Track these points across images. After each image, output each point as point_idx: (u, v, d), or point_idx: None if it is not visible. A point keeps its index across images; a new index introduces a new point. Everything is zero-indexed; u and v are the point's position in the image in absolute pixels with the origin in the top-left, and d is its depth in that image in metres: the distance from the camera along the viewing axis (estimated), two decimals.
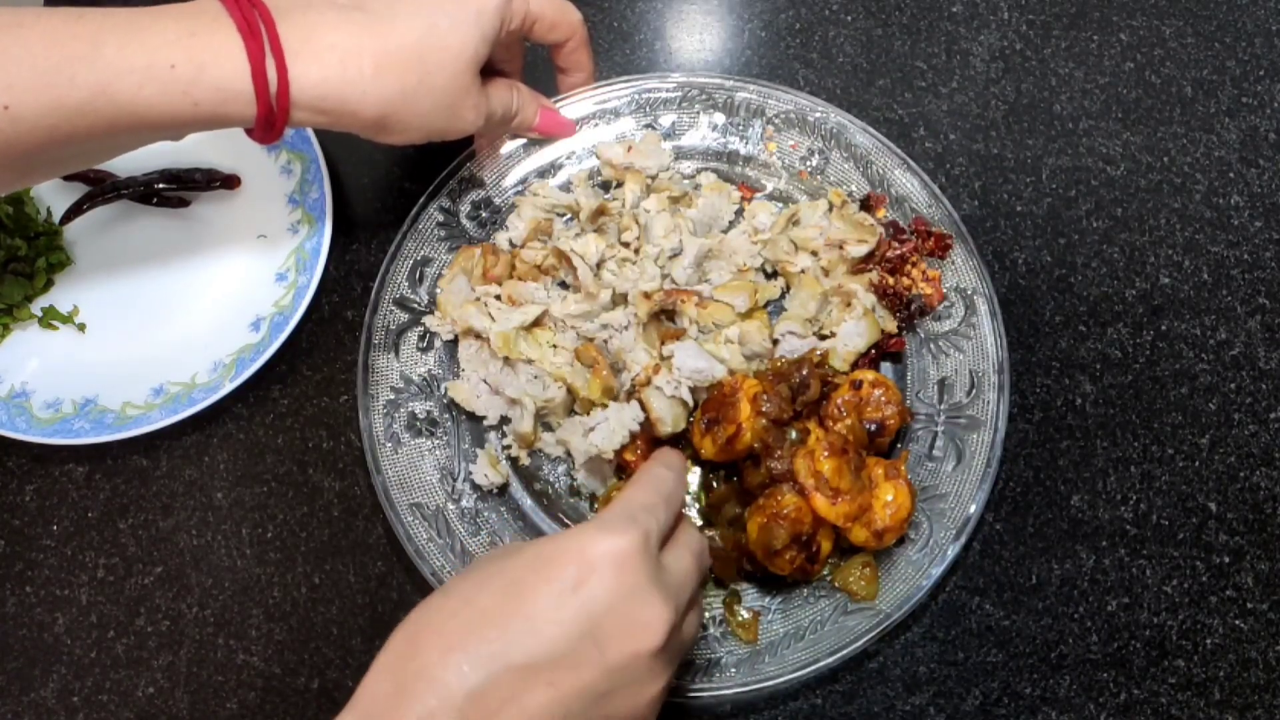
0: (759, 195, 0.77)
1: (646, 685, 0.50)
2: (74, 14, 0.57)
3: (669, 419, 0.67)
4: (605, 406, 0.69)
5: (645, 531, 0.51)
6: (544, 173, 0.77)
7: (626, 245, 0.74)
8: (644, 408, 0.68)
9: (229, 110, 0.60)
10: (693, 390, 0.68)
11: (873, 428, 0.67)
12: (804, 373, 0.67)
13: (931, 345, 0.72)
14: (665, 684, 0.52)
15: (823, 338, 0.72)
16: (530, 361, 0.71)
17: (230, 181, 0.79)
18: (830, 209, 0.74)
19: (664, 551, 0.53)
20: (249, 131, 0.62)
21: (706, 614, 0.66)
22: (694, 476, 0.70)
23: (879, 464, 0.65)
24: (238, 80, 0.58)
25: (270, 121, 0.61)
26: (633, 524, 0.51)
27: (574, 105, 0.77)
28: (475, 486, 0.70)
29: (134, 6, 0.59)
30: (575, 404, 0.71)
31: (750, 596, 0.67)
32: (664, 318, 0.72)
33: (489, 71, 0.68)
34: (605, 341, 0.72)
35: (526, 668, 0.48)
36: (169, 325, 0.76)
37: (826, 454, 0.63)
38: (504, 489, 0.71)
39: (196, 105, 0.59)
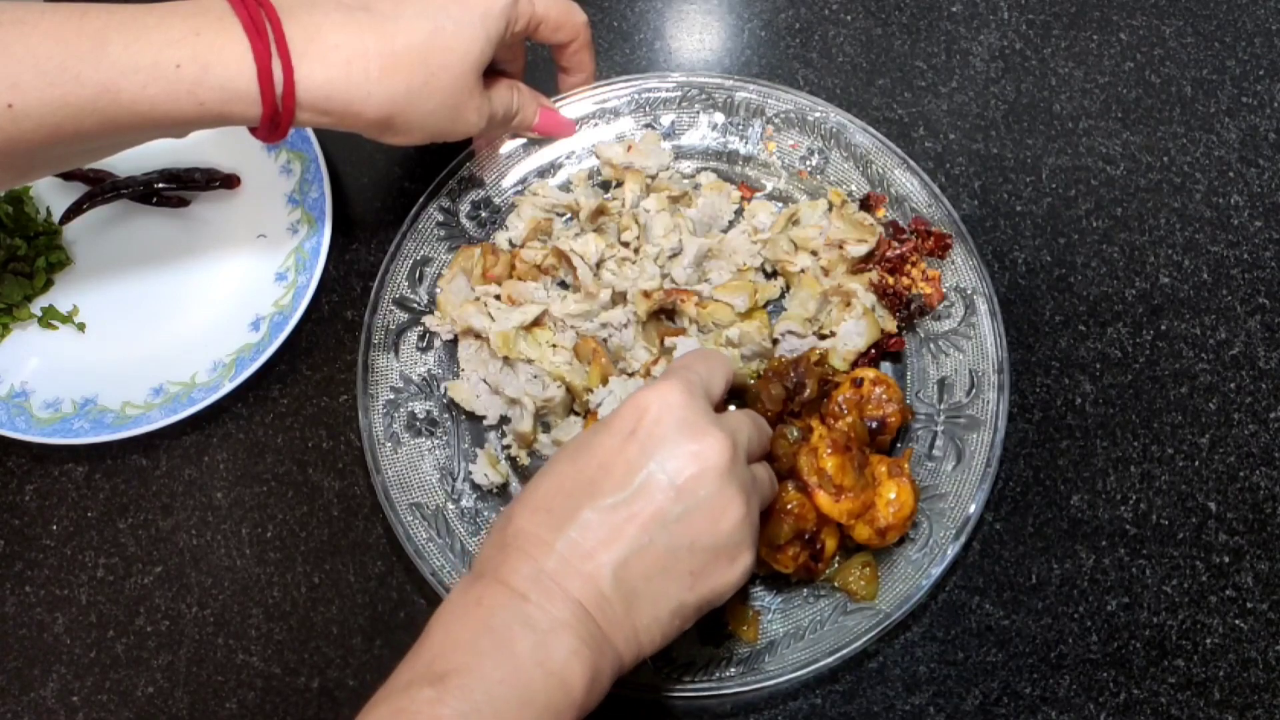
0: (759, 195, 0.77)
1: (721, 507, 0.53)
2: (79, 11, 0.57)
3: None
4: (605, 384, 0.69)
5: (688, 380, 0.56)
6: (544, 172, 0.77)
7: (626, 245, 0.74)
8: None
9: (234, 110, 0.60)
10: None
11: (874, 425, 0.67)
12: (800, 370, 0.67)
13: (931, 345, 0.72)
14: (743, 512, 0.54)
15: (822, 337, 0.72)
16: (530, 361, 0.71)
17: (230, 181, 0.79)
18: (830, 208, 0.74)
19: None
20: (253, 130, 0.62)
21: None
22: None
23: (882, 461, 0.65)
24: (243, 80, 0.58)
25: (275, 121, 0.61)
26: (676, 375, 0.56)
27: (574, 105, 0.77)
28: (475, 486, 0.70)
29: (139, 3, 0.59)
30: (574, 404, 0.71)
31: (750, 596, 0.67)
32: (663, 317, 0.73)
33: (490, 71, 0.68)
34: (605, 340, 0.72)
35: (607, 508, 0.52)
36: (169, 325, 0.76)
37: (829, 451, 0.63)
38: (504, 489, 0.71)
39: (201, 105, 0.59)
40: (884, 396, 0.67)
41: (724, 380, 0.60)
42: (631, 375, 0.70)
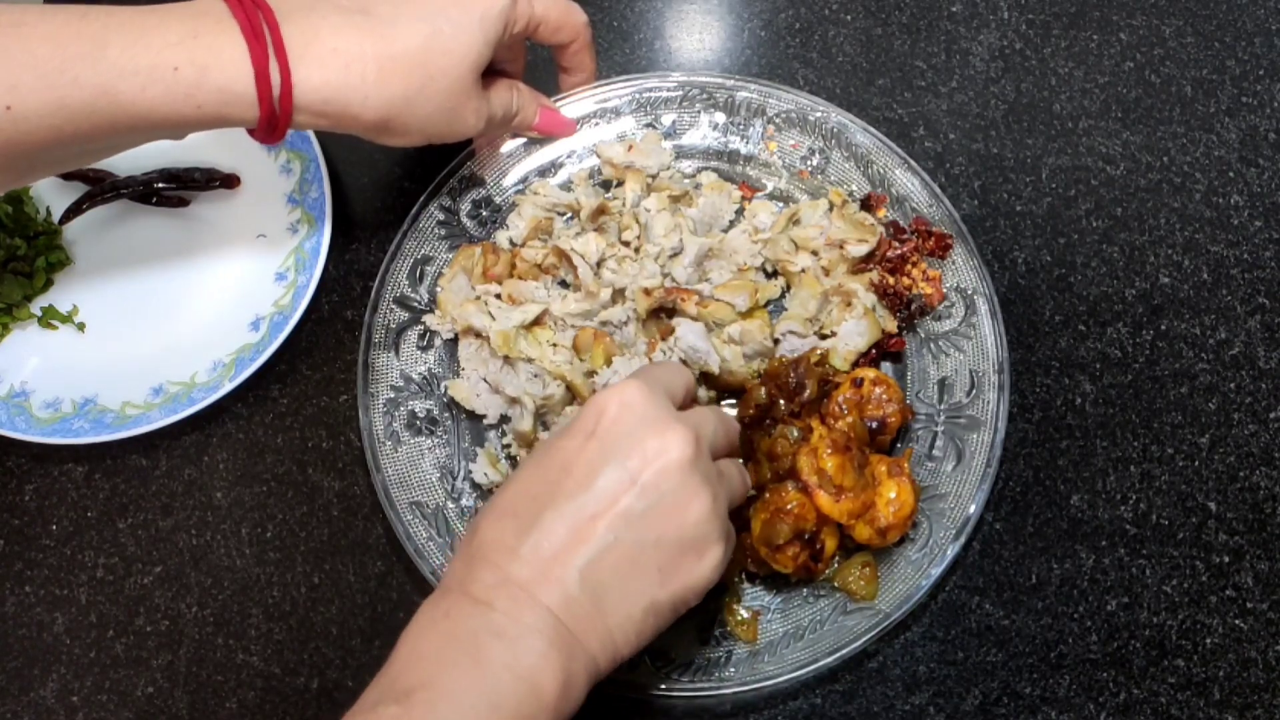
0: (759, 194, 0.77)
1: (685, 500, 0.53)
2: (77, 13, 0.57)
3: None
4: (610, 365, 0.69)
5: (648, 379, 0.55)
6: (544, 171, 0.77)
7: (627, 244, 0.74)
8: None
9: (231, 113, 0.60)
10: (684, 364, 0.68)
11: (874, 425, 0.67)
12: (800, 370, 0.67)
13: (931, 345, 0.72)
14: (709, 504, 0.53)
15: (823, 337, 0.72)
16: (530, 360, 0.71)
17: (230, 181, 0.79)
18: (831, 208, 0.74)
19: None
20: (251, 132, 0.62)
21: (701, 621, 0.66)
22: None
23: (882, 461, 0.65)
24: (241, 83, 0.58)
25: (273, 124, 0.61)
26: (635, 376, 0.56)
27: (574, 104, 0.77)
28: (475, 485, 0.70)
29: (138, 6, 0.59)
30: (575, 402, 0.71)
31: (750, 596, 0.67)
32: (664, 316, 0.72)
33: (490, 72, 0.68)
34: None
35: (571, 510, 0.52)
36: (169, 325, 0.76)
37: (830, 451, 0.63)
38: None
39: (199, 108, 0.59)
40: (884, 396, 0.67)
41: (684, 387, 0.59)
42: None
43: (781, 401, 0.66)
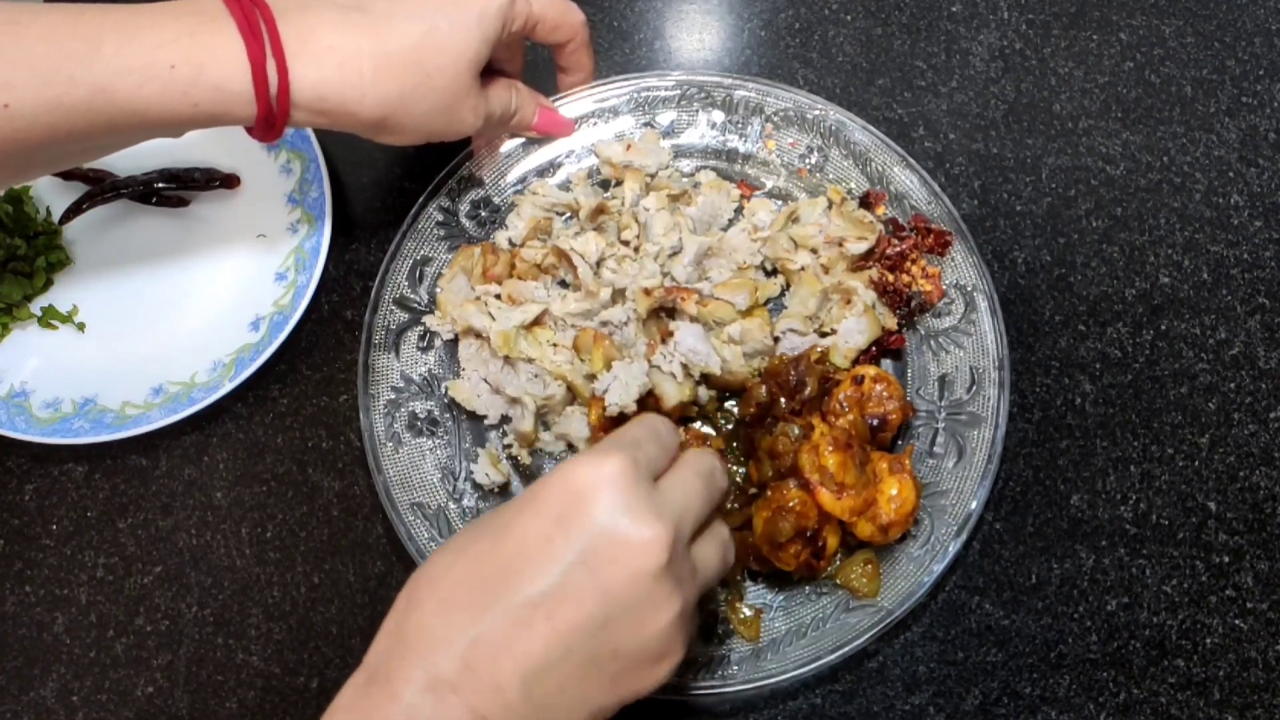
0: (758, 193, 0.77)
1: (651, 611, 0.48)
2: (74, 11, 0.57)
3: (673, 393, 0.68)
4: (609, 369, 0.69)
5: (631, 457, 0.49)
6: (543, 171, 0.77)
7: (626, 244, 0.74)
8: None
9: (228, 110, 0.60)
10: (685, 367, 0.68)
11: (875, 423, 0.67)
12: (800, 368, 0.67)
13: (932, 342, 0.72)
14: (676, 614, 0.49)
15: (823, 335, 0.72)
16: (530, 360, 0.71)
17: (230, 181, 0.79)
18: (830, 206, 0.74)
19: (661, 479, 0.52)
20: (249, 130, 0.63)
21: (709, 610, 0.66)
22: None
23: (883, 458, 0.65)
24: (237, 81, 0.58)
25: (270, 122, 0.61)
26: (616, 450, 0.50)
27: (573, 104, 0.77)
28: (476, 485, 0.70)
29: (134, 3, 0.59)
30: (575, 402, 0.71)
31: (753, 594, 0.67)
32: (664, 315, 0.72)
33: (488, 71, 0.68)
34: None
35: (523, 606, 0.47)
36: (169, 325, 0.76)
37: (831, 448, 0.63)
38: (505, 488, 0.70)
39: (196, 105, 0.59)
40: (885, 394, 0.67)
41: (668, 454, 0.53)
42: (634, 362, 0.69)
43: (782, 399, 0.66)
